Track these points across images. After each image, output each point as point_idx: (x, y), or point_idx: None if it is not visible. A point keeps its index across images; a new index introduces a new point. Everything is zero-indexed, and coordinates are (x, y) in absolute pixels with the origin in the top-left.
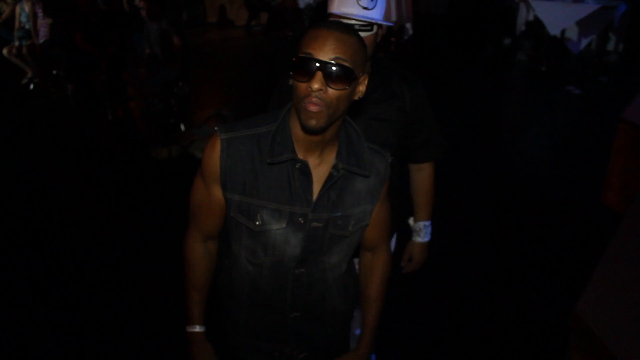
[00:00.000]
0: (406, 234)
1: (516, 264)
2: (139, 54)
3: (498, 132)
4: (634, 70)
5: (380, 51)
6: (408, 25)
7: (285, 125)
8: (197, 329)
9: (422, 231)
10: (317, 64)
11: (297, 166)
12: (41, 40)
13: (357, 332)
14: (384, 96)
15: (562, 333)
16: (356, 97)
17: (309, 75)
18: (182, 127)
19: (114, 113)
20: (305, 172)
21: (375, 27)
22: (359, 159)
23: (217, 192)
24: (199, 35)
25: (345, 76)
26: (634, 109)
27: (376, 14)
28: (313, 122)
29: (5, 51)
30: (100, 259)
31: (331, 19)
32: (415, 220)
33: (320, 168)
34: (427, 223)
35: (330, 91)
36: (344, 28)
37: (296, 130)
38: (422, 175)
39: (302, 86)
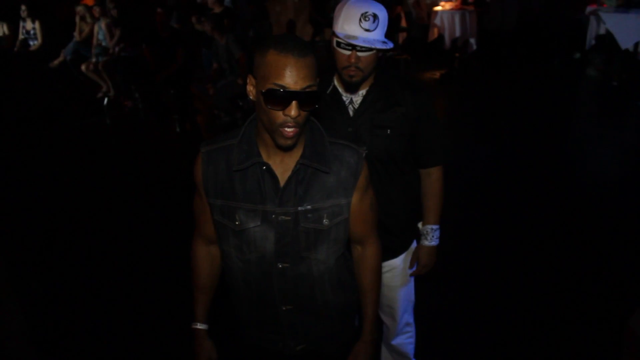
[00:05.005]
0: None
1: (578, 278)
2: (206, 69)
3: (567, 149)
4: None
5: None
6: (472, 40)
7: (250, 134)
8: (199, 326)
9: (429, 234)
10: (293, 96)
11: (264, 168)
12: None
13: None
14: (386, 104)
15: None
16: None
17: (284, 105)
18: None
19: (182, 126)
20: (271, 173)
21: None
22: (320, 156)
23: (206, 199)
24: None
25: (316, 99)
26: None
27: (377, 35)
28: (289, 143)
29: (83, 67)
30: (172, 261)
31: (335, 39)
32: (424, 224)
33: (287, 167)
34: (435, 227)
35: (303, 113)
36: (304, 50)
37: (264, 136)
38: (430, 180)
39: (278, 114)
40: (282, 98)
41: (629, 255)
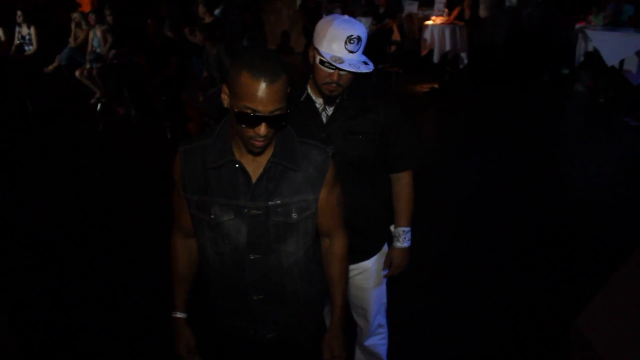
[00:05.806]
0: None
1: (563, 290)
2: (197, 77)
3: (554, 163)
4: None
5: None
6: (463, 55)
7: (224, 134)
8: (178, 314)
9: (401, 237)
10: (262, 118)
11: (237, 166)
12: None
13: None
14: (358, 111)
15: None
16: None
17: (254, 125)
18: None
19: (173, 132)
20: (244, 170)
21: None
22: (290, 155)
23: (184, 195)
24: None
25: (283, 118)
26: None
27: (360, 55)
28: (258, 150)
29: (77, 73)
30: (160, 261)
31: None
32: (396, 226)
33: (258, 165)
34: (407, 229)
35: (271, 130)
36: (275, 75)
37: (237, 137)
38: (400, 184)
39: (249, 130)
40: (252, 120)
41: (614, 265)
